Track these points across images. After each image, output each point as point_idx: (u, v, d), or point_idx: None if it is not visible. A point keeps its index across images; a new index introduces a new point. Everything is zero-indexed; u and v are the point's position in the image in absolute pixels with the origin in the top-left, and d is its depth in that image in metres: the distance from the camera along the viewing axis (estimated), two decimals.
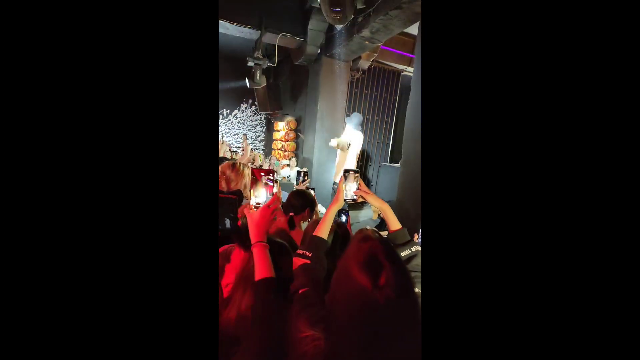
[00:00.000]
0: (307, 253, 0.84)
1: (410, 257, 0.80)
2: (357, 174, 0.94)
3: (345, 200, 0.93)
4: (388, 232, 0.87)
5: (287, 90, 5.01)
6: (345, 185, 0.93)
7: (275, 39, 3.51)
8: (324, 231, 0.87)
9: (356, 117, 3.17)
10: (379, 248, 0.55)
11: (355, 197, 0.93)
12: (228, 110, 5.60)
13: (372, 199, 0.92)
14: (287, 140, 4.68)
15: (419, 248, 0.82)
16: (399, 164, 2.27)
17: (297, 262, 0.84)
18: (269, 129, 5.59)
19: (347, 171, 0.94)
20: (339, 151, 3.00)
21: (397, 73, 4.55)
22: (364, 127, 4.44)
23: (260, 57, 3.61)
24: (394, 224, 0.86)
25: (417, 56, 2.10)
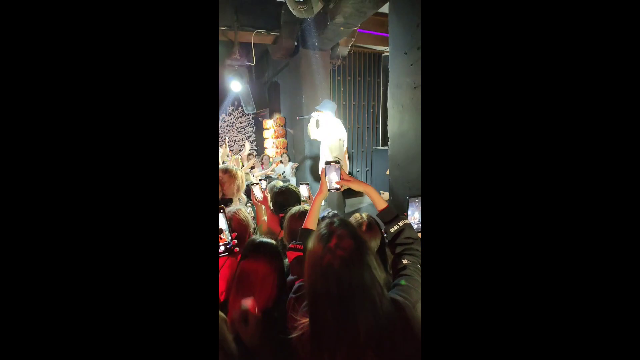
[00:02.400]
0: (299, 246, 0.87)
1: (400, 231, 0.84)
2: (337, 164, 0.97)
3: (329, 189, 0.96)
4: (378, 212, 0.91)
5: (270, 87, 4.98)
6: (327, 176, 0.96)
7: (251, 37, 3.47)
8: (312, 222, 0.90)
9: (328, 104, 3.09)
10: (331, 221, 0.63)
11: (337, 187, 0.95)
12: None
13: (354, 185, 0.95)
14: (277, 137, 4.67)
15: (407, 221, 0.85)
16: (387, 147, 2.28)
17: (291, 255, 0.87)
18: (259, 128, 5.57)
19: (328, 162, 0.97)
20: (321, 142, 3.00)
21: (378, 55, 4.50)
22: (352, 113, 4.43)
23: (238, 57, 3.58)
24: (380, 203, 0.90)
25: (391, 35, 2.09)
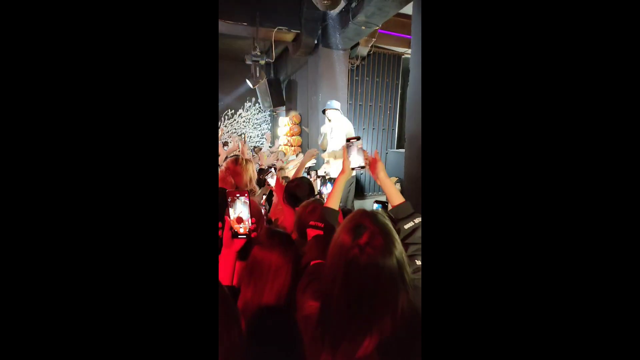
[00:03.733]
0: (320, 224, 0.86)
1: (414, 230, 0.81)
2: (359, 141, 0.91)
3: (352, 168, 0.91)
4: (391, 207, 0.88)
5: (288, 85, 5.00)
6: (349, 155, 0.91)
7: (271, 34, 3.49)
8: (334, 202, 0.89)
9: (334, 102, 3.15)
10: (367, 215, 0.59)
11: (362, 164, 0.90)
12: (232, 111, 5.65)
13: (380, 167, 0.91)
14: (292, 135, 4.69)
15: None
16: (404, 149, 2.24)
17: (311, 233, 0.87)
18: (275, 125, 5.61)
19: (349, 140, 0.91)
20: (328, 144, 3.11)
21: (398, 56, 4.45)
22: (368, 114, 4.39)
23: (258, 53, 3.62)
24: (396, 198, 0.87)
25: (414, 37, 2.05)
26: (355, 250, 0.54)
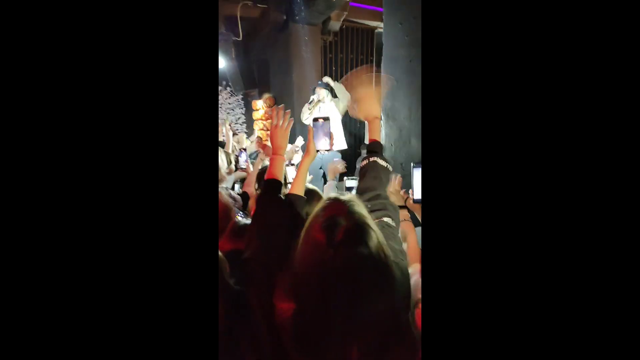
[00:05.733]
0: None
1: (365, 174, 0.79)
2: (326, 121, 0.84)
3: (317, 150, 0.86)
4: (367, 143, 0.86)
5: (259, 65, 4.77)
6: (315, 135, 0.84)
7: (236, 10, 3.26)
8: (299, 188, 0.82)
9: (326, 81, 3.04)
10: (339, 205, 0.53)
11: (327, 148, 0.85)
12: None
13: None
14: (267, 119, 4.53)
15: (377, 160, 0.80)
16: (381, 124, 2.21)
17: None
18: (248, 109, 5.39)
19: (315, 119, 0.84)
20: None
21: (371, 31, 4.33)
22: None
23: (223, 31, 3.38)
24: (374, 135, 0.85)
25: (385, 9, 1.96)
26: (330, 252, 0.47)
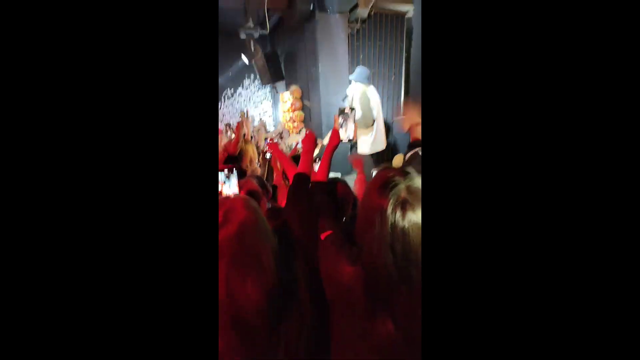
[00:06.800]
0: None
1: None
2: (353, 111, 0.90)
3: (341, 140, 0.91)
4: None
5: (287, 57, 4.78)
6: (344, 125, 0.90)
7: (263, 2, 3.27)
8: (324, 174, 0.87)
9: (362, 70, 2.96)
10: (398, 172, 0.58)
11: (351, 138, 0.90)
12: (232, 90, 5.49)
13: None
14: (294, 111, 4.55)
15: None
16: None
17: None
18: (275, 102, 5.45)
19: (342, 110, 0.90)
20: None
21: (401, 16, 4.14)
22: (372, 81, 4.19)
23: (252, 25, 3.42)
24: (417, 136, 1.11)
25: None
26: (397, 209, 0.53)
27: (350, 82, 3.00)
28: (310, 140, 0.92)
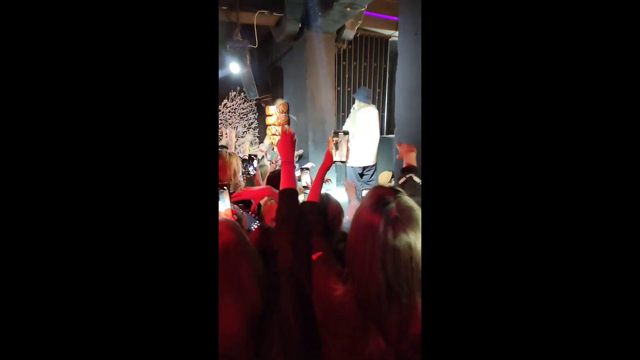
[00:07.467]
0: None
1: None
2: (346, 135, 0.93)
3: (334, 161, 0.93)
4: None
5: (273, 72, 4.84)
6: (338, 147, 0.93)
7: (253, 18, 3.33)
8: (316, 195, 0.88)
9: (363, 91, 3.10)
10: (389, 191, 0.59)
11: (344, 160, 0.93)
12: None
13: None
14: (280, 124, 4.58)
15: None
16: (394, 134, 2.19)
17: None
18: (261, 115, 5.46)
19: (336, 132, 0.93)
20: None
21: (385, 39, 4.34)
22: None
23: (240, 39, 3.45)
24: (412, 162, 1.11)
25: (401, 18, 1.97)
26: (388, 228, 0.54)
27: (354, 100, 3.18)
28: (287, 143, 0.87)
